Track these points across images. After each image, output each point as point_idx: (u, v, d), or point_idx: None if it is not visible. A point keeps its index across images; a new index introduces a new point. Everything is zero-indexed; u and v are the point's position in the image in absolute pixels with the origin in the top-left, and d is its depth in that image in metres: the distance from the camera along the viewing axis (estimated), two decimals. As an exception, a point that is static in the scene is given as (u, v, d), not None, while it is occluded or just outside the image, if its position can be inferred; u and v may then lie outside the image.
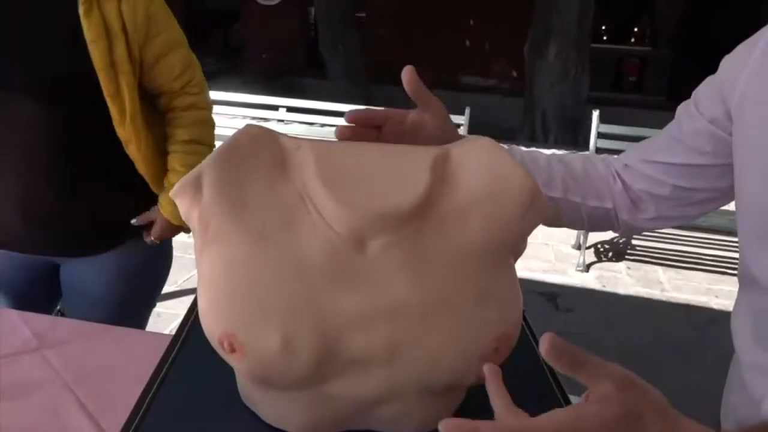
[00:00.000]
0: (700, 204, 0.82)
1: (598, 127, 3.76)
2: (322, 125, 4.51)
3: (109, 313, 1.35)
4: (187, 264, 3.41)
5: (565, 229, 3.92)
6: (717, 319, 3.22)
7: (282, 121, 4.53)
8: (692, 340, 3.04)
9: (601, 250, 4.02)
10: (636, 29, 9.06)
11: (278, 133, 0.66)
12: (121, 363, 1.14)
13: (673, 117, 0.83)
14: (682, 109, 0.80)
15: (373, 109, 0.72)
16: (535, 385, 0.77)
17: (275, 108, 4.57)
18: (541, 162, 0.85)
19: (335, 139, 0.70)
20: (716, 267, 3.82)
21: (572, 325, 3.12)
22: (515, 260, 0.66)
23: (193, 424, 0.69)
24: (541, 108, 5.86)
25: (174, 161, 1.39)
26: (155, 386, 0.74)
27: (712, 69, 0.77)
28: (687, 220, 0.86)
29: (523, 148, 0.88)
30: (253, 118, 4.64)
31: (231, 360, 0.60)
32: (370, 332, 0.57)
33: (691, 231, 4.11)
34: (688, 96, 0.82)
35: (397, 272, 0.58)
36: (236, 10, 10.15)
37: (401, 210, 0.58)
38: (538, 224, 0.65)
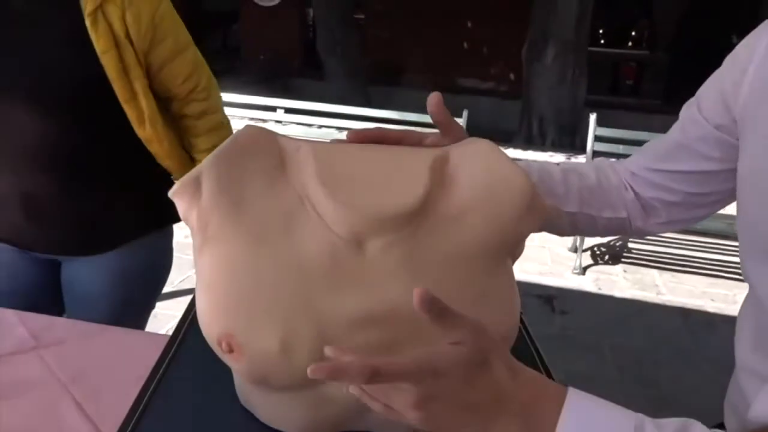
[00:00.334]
0: (711, 205, 0.82)
1: (595, 130, 3.77)
2: (320, 127, 4.51)
3: (108, 313, 1.35)
4: (183, 264, 3.41)
5: (562, 232, 3.93)
6: (712, 322, 3.22)
7: (280, 122, 4.53)
8: (688, 342, 3.04)
9: (598, 253, 4.03)
10: (634, 33, 9.09)
11: (278, 133, 0.66)
12: (117, 363, 1.14)
13: (670, 120, 0.83)
14: (686, 113, 0.79)
15: (385, 129, 0.71)
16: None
17: (273, 109, 4.57)
18: (556, 176, 0.84)
19: (334, 141, 0.70)
20: (712, 270, 3.82)
21: (568, 327, 3.12)
22: (513, 262, 0.66)
23: (190, 425, 0.69)
24: (539, 111, 5.86)
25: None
26: (152, 387, 0.74)
27: (710, 73, 0.77)
28: (698, 220, 0.86)
29: (534, 161, 0.88)
30: (251, 119, 4.64)
31: (229, 360, 0.60)
32: (368, 333, 0.57)
33: (687, 234, 4.12)
34: (686, 99, 0.81)
35: (396, 273, 0.58)
36: (235, 11, 10.15)
37: (400, 211, 0.58)
38: (537, 226, 0.65)
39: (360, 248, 0.58)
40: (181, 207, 0.61)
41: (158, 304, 3.00)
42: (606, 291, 3.55)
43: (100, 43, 1.17)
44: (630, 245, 4.15)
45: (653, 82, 8.72)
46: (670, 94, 7.96)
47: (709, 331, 3.15)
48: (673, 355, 2.93)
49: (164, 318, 2.81)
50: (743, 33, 0.75)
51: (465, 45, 9.06)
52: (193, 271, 0.67)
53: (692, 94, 0.81)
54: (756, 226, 0.68)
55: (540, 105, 5.83)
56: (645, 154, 0.86)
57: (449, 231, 0.60)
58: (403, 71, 9.02)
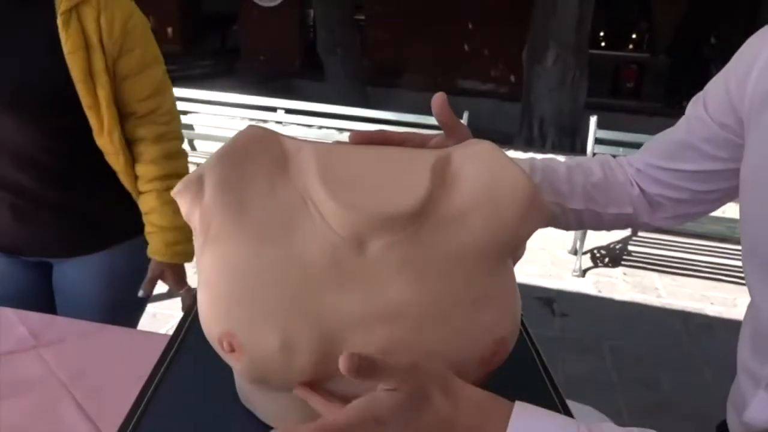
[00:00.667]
0: (719, 200, 0.81)
1: (595, 132, 3.78)
2: (320, 127, 4.52)
3: (100, 314, 1.34)
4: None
5: (561, 235, 3.93)
6: (712, 326, 3.23)
7: (280, 122, 4.54)
8: (687, 345, 3.05)
9: (598, 255, 4.03)
10: (634, 36, 9.11)
11: (280, 134, 0.66)
12: (117, 362, 1.14)
13: (670, 123, 0.83)
14: (692, 110, 0.78)
15: (388, 132, 0.71)
16: (532, 389, 0.77)
17: (273, 110, 4.58)
18: (561, 173, 0.84)
19: (336, 142, 0.70)
20: (712, 273, 3.83)
21: (568, 330, 3.12)
22: (514, 264, 0.66)
23: (190, 424, 0.69)
24: (539, 113, 5.87)
25: (152, 200, 1.33)
26: (153, 386, 0.74)
27: (709, 76, 0.76)
28: (706, 214, 0.86)
29: (539, 156, 0.88)
30: (251, 120, 4.64)
31: (230, 360, 0.60)
32: (368, 333, 0.57)
33: (687, 238, 4.12)
34: (686, 101, 0.81)
35: (397, 274, 0.58)
36: (235, 12, 10.16)
37: (402, 212, 0.58)
38: (538, 227, 0.65)
39: (361, 248, 0.58)
40: (183, 207, 0.61)
41: (158, 304, 3.02)
42: (606, 294, 3.55)
43: (68, 43, 1.16)
44: (630, 248, 4.15)
45: (653, 84, 8.74)
46: (670, 96, 7.98)
47: (708, 334, 3.15)
48: (673, 358, 2.94)
49: (164, 318, 2.82)
50: (742, 36, 0.75)
51: (465, 47, 9.08)
52: (193, 271, 0.67)
53: (692, 96, 0.81)
54: (753, 230, 0.68)
55: (540, 107, 5.84)
56: (650, 152, 0.85)
57: (451, 232, 0.60)
58: (403, 72, 9.04)
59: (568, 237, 3.98)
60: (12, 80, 1.18)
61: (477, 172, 0.63)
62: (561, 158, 0.88)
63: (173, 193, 0.60)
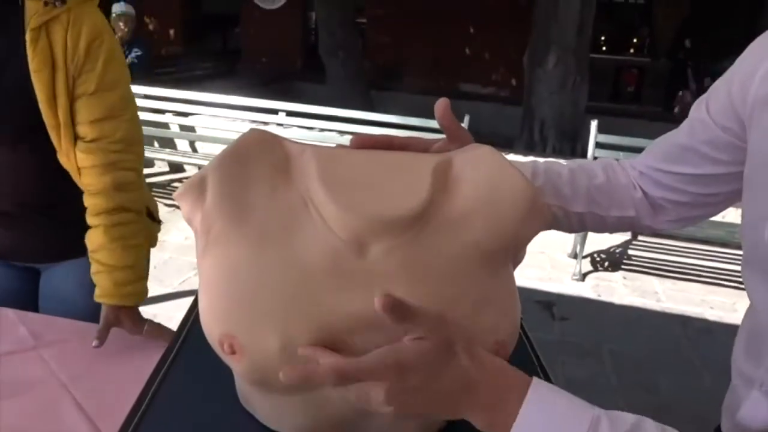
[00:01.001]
0: (722, 203, 0.81)
1: (596, 136, 3.78)
2: (322, 130, 4.53)
3: (84, 318, 1.30)
4: (183, 267, 3.42)
5: (561, 238, 3.94)
6: (711, 330, 3.23)
7: (281, 125, 4.54)
8: (687, 350, 3.05)
9: (598, 259, 4.03)
10: (635, 40, 9.12)
11: (283, 137, 0.67)
12: (117, 363, 1.15)
13: (670, 128, 0.83)
14: (695, 113, 0.78)
15: (390, 136, 0.71)
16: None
17: (275, 112, 4.59)
18: (563, 175, 0.84)
19: (337, 145, 0.71)
20: (712, 278, 3.83)
21: (567, 333, 3.12)
22: (514, 268, 0.66)
23: (191, 425, 0.70)
24: (540, 117, 5.87)
25: (99, 236, 1.22)
26: (153, 387, 0.74)
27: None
28: (709, 217, 0.85)
29: (542, 160, 0.88)
30: (252, 122, 4.65)
31: (230, 362, 0.60)
32: (369, 336, 0.57)
33: (687, 242, 4.13)
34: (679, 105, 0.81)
35: (397, 277, 0.58)
36: (237, 14, 10.18)
37: (402, 215, 0.59)
38: (539, 231, 0.65)
39: (362, 251, 0.58)
40: (184, 209, 0.61)
41: (157, 306, 3.03)
42: (605, 298, 3.55)
43: (34, 61, 1.13)
44: (630, 252, 4.15)
45: (654, 88, 8.74)
46: (670, 100, 7.98)
47: (708, 338, 3.15)
48: (672, 362, 2.94)
49: (163, 319, 2.80)
50: (742, 40, 0.75)
51: (467, 50, 9.09)
52: (193, 273, 0.68)
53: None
54: (753, 230, 0.68)
55: (541, 111, 5.84)
56: (652, 155, 0.85)
57: (451, 235, 0.61)
58: (404, 75, 9.05)
59: (568, 241, 3.99)
60: None
61: (478, 176, 0.63)
62: (563, 162, 0.87)
63: (175, 195, 0.61)
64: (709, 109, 0.75)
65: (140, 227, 1.28)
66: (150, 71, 5.88)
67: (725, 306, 3.49)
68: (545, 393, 0.53)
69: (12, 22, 1.14)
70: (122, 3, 5.51)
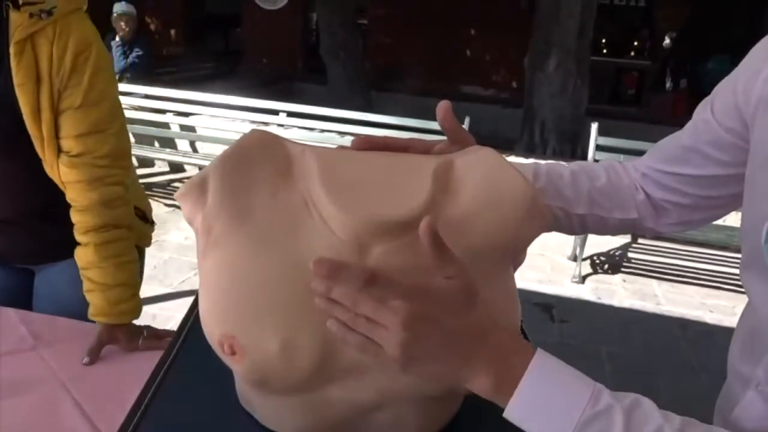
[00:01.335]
0: (724, 207, 0.81)
1: (596, 139, 3.78)
2: (322, 131, 4.53)
3: (80, 313, 1.29)
4: (183, 266, 3.42)
5: (561, 241, 3.94)
6: (711, 333, 3.23)
7: (282, 125, 4.55)
8: (686, 353, 3.05)
9: (597, 262, 4.03)
10: (636, 43, 9.12)
11: (284, 138, 0.67)
12: (117, 363, 1.15)
13: (671, 131, 0.83)
14: (699, 114, 0.77)
15: (391, 138, 0.71)
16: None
17: (275, 112, 4.59)
18: (565, 177, 0.83)
19: (336, 146, 0.71)
20: (711, 281, 3.83)
21: (567, 336, 3.12)
22: (514, 270, 0.66)
23: (190, 426, 0.70)
24: (540, 119, 5.88)
25: (90, 254, 1.20)
26: (153, 387, 0.74)
27: (710, 82, 0.76)
28: (711, 221, 0.85)
29: (543, 162, 0.88)
30: (253, 122, 4.65)
31: (230, 363, 0.60)
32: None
33: (687, 245, 4.13)
34: (688, 109, 0.81)
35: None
36: (238, 14, 10.19)
37: (403, 217, 0.59)
38: (539, 233, 0.65)
39: (363, 252, 0.58)
40: (185, 209, 0.61)
41: (157, 306, 3.03)
42: (605, 300, 3.55)
43: (18, 75, 1.10)
44: (630, 255, 4.15)
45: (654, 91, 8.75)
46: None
47: (707, 341, 3.15)
48: (671, 364, 2.94)
49: (163, 319, 2.82)
50: (742, 43, 0.75)
51: (468, 52, 9.09)
52: (193, 272, 0.68)
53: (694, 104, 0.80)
54: (749, 232, 0.68)
55: (542, 113, 5.84)
56: (655, 156, 0.84)
57: (451, 237, 0.60)
58: (405, 77, 9.05)
59: (567, 243, 3.99)
60: None
61: (478, 178, 0.63)
62: (564, 163, 0.87)
63: (176, 196, 0.61)
64: (714, 110, 0.74)
65: (131, 243, 1.27)
66: (151, 71, 5.89)
67: (725, 309, 3.49)
68: (550, 360, 0.55)
69: None
70: (123, 3, 5.52)
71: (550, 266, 3.90)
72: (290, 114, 4.57)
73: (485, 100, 8.36)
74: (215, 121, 4.84)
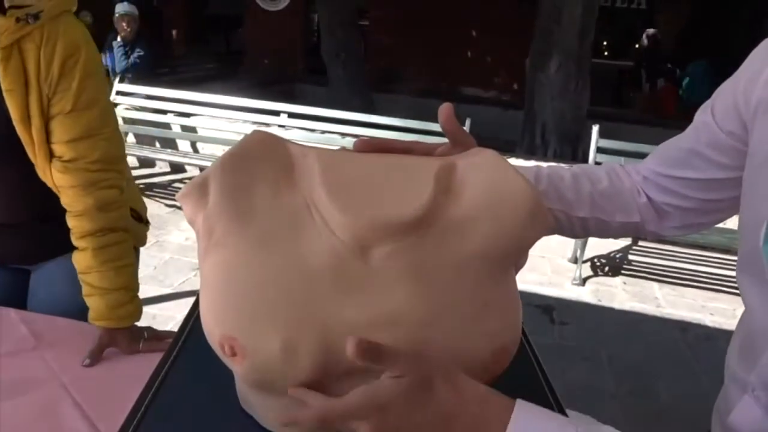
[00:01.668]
0: (726, 210, 0.80)
1: (597, 141, 3.78)
2: (323, 132, 4.53)
3: (77, 311, 1.29)
4: (183, 267, 3.42)
5: (562, 243, 3.93)
6: (711, 337, 3.22)
7: (283, 126, 4.55)
8: (686, 356, 3.04)
9: (598, 264, 4.03)
10: (637, 45, 9.13)
11: (286, 139, 0.67)
12: (117, 364, 1.15)
13: (672, 134, 0.83)
14: (700, 117, 0.77)
15: (393, 140, 0.71)
16: (531, 397, 0.78)
17: (276, 113, 4.60)
18: (567, 180, 0.83)
19: (337, 147, 0.71)
20: (712, 284, 3.83)
21: (567, 338, 3.12)
22: (516, 272, 0.66)
23: (190, 427, 0.70)
24: (541, 121, 5.87)
25: (88, 258, 1.20)
26: (153, 388, 0.74)
27: (711, 85, 0.76)
28: (714, 224, 0.85)
29: (545, 164, 0.88)
30: (254, 123, 4.65)
31: (231, 364, 0.60)
32: (370, 339, 0.57)
33: (688, 248, 4.12)
34: (690, 112, 0.80)
35: (399, 281, 0.58)
36: (239, 15, 10.20)
37: (404, 219, 0.59)
38: (541, 236, 0.65)
39: (364, 255, 0.58)
40: (187, 210, 0.61)
41: (158, 306, 3.03)
42: (605, 303, 3.55)
43: (6, 80, 1.09)
44: (630, 257, 4.15)
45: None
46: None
47: (707, 345, 3.14)
48: (671, 367, 2.93)
49: (164, 320, 2.82)
50: (743, 45, 0.75)
51: (469, 53, 9.09)
52: (193, 273, 0.68)
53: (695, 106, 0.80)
54: (746, 234, 0.68)
55: (543, 115, 5.84)
56: (656, 159, 0.84)
57: (453, 239, 0.61)
58: (406, 78, 9.05)
59: (568, 245, 3.98)
60: None
61: (480, 181, 0.63)
62: (565, 166, 0.87)
63: (178, 196, 0.61)
64: (714, 113, 0.74)
65: (129, 245, 1.26)
66: (152, 71, 5.89)
67: (725, 312, 3.49)
68: (527, 418, 0.53)
69: None
70: (125, 3, 5.53)
71: (550, 268, 3.90)
72: (291, 115, 4.57)
73: (486, 101, 8.36)
74: (216, 122, 4.84)
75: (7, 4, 1.07)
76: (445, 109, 0.69)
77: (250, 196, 0.61)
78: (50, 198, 1.21)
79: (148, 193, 4.73)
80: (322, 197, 0.60)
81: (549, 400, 0.78)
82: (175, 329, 0.89)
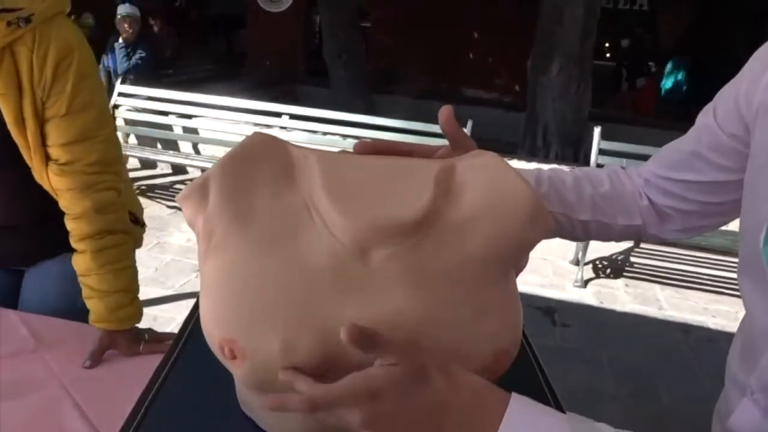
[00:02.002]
0: (728, 213, 0.80)
1: (599, 143, 3.78)
2: (325, 133, 4.53)
3: (63, 310, 1.30)
4: (184, 268, 3.42)
5: (563, 245, 3.93)
6: (713, 339, 3.22)
7: (284, 128, 4.55)
8: (688, 358, 3.04)
9: (600, 266, 4.03)
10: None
11: (287, 141, 0.67)
12: (118, 366, 1.15)
13: (673, 136, 0.83)
14: (702, 119, 0.77)
15: (394, 142, 0.71)
16: (532, 399, 0.77)
17: (278, 115, 4.60)
18: (568, 183, 0.83)
19: (338, 148, 0.71)
20: (714, 287, 3.82)
21: (569, 340, 3.12)
22: (517, 275, 0.66)
23: (190, 429, 0.70)
24: (543, 123, 5.87)
25: (87, 261, 1.20)
26: (153, 390, 0.74)
27: (712, 87, 0.76)
28: (715, 227, 0.84)
29: (546, 167, 0.87)
30: (255, 125, 4.66)
31: (231, 366, 0.60)
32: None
33: (690, 250, 4.12)
34: (691, 114, 0.80)
35: (399, 283, 0.58)
36: (241, 17, 10.21)
37: (404, 221, 0.59)
38: (541, 239, 0.65)
39: (364, 257, 0.58)
40: (187, 212, 0.61)
41: (159, 307, 3.03)
42: (607, 305, 3.55)
43: None
44: (632, 259, 4.15)
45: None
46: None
47: (709, 347, 3.14)
48: (673, 369, 2.93)
49: (164, 321, 2.82)
50: (744, 47, 0.74)
51: (470, 55, 9.10)
52: (194, 275, 0.68)
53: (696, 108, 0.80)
54: (747, 236, 0.68)
55: (544, 117, 5.84)
56: (658, 162, 0.84)
57: (453, 242, 0.61)
58: (407, 79, 9.06)
59: (570, 247, 3.98)
60: None
61: (480, 183, 0.63)
62: (566, 169, 0.87)
63: (178, 198, 0.60)
64: (716, 115, 0.74)
65: (128, 248, 1.25)
66: (154, 73, 5.90)
67: (727, 315, 3.48)
68: (522, 413, 0.52)
69: None
70: (127, 4, 5.54)
71: (552, 270, 3.89)
72: (292, 116, 4.58)
73: (487, 103, 8.36)
74: (218, 123, 4.85)
75: None
76: (445, 111, 0.69)
77: (251, 198, 0.61)
78: (48, 200, 1.21)
79: (149, 194, 4.73)
80: (322, 199, 0.60)
81: (549, 401, 0.78)
82: (176, 331, 0.89)
